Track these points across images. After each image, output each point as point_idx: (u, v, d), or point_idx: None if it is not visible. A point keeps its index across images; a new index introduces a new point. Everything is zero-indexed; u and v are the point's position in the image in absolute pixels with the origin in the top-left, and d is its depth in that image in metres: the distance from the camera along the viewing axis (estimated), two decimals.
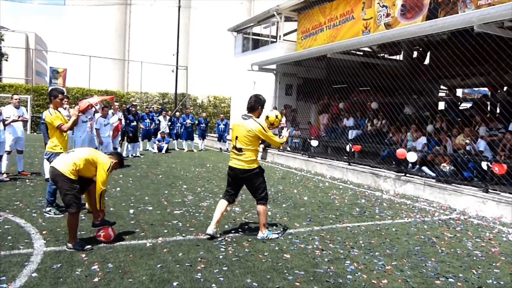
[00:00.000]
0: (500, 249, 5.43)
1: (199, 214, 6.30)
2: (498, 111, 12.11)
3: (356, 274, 4.20)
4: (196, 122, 17.41)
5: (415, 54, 17.24)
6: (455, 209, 8.01)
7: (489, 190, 7.88)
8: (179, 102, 24.32)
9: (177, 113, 18.27)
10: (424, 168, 9.85)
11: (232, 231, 5.51)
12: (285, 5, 16.95)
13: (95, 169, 4.70)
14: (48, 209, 5.94)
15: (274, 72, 17.36)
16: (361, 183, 10.57)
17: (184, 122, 16.74)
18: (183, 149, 17.13)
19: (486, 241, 5.82)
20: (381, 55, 17.64)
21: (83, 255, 4.29)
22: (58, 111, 5.85)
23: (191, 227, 5.61)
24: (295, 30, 19.63)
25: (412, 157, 9.41)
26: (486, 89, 15.50)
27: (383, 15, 12.84)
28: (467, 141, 9.25)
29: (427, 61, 16.35)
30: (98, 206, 4.78)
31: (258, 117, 5.26)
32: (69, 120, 5.86)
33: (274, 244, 5.05)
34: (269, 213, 6.69)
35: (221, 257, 4.48)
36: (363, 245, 5.26)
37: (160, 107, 18.50)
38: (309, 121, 16.45)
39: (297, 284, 3.87)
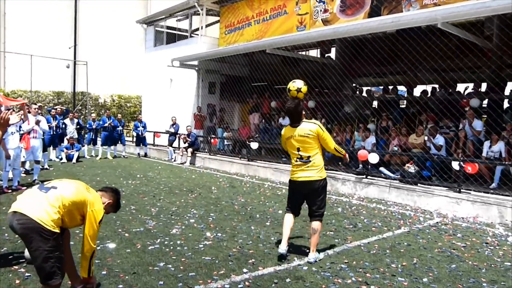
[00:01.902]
0: None
1: (181, 248, 4.90)
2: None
3: None
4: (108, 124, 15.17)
5: (328, 52, 17.20)
6: (430, 211, 7.74)
7: (461, 190, 7.76)
8: (78, 102, 21.39)
9: (93, 115, 15.80)
10: (382, 169, 9.55)
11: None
12: None
13: (81, 217, 3.12)
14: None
15: (196, 68, 15.97)
16: None
17: (108, 125, 14.49)
18: (92, 156, 14.86)
19: (497, 247, 5.48)
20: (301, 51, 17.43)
21: None
22: None
23: (187, 269, 4.23)
24: (211, 24, 18.50)
25: (374, 158, 9.02)
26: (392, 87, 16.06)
27: (320, 10, 12.37)
28: (426, 138, 9.16)
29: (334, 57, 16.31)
30: (86, 273, 3.19)
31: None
32: None
33: (308, 283, 3.98)
34: (260, 236, 5.58)
35: None
36: (399, 270, 4.47)
37: (64, 108, 15.78)
38: (242, 121, 15.43)
39: None
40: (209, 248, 4.93)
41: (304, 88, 4.69)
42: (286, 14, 13.56)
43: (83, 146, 14.36)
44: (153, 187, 9.04)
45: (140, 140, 15.61)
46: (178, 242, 5.13)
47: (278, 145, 13.17)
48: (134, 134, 16.15)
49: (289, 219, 4.79)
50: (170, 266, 4.29)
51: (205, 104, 16.22)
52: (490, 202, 7.24)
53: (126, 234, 5.37)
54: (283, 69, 13.77)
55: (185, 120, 15.50)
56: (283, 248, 4.64)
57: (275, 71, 13.53)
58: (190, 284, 3.85)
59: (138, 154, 15.66)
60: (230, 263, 4.46)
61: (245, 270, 4.25)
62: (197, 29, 19.01)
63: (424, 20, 8.36)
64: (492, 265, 4.76)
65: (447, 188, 8.01)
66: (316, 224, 4.65)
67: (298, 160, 4.67)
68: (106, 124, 14.51)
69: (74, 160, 13.06)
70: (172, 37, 18.72)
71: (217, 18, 17.84)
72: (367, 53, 11.52)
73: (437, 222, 6.87)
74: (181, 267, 4.27)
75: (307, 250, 4.96)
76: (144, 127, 15.57)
